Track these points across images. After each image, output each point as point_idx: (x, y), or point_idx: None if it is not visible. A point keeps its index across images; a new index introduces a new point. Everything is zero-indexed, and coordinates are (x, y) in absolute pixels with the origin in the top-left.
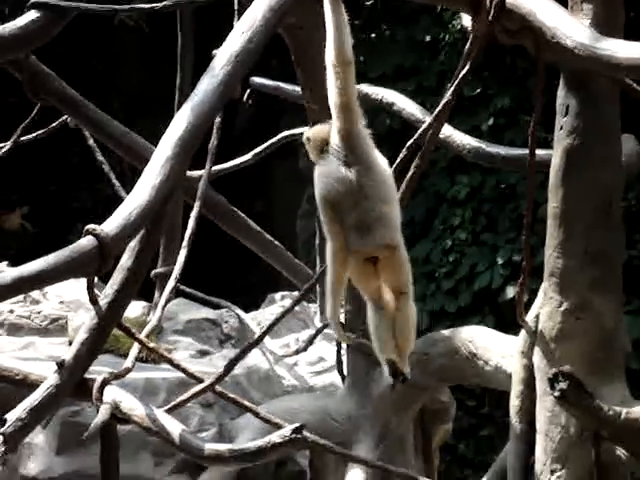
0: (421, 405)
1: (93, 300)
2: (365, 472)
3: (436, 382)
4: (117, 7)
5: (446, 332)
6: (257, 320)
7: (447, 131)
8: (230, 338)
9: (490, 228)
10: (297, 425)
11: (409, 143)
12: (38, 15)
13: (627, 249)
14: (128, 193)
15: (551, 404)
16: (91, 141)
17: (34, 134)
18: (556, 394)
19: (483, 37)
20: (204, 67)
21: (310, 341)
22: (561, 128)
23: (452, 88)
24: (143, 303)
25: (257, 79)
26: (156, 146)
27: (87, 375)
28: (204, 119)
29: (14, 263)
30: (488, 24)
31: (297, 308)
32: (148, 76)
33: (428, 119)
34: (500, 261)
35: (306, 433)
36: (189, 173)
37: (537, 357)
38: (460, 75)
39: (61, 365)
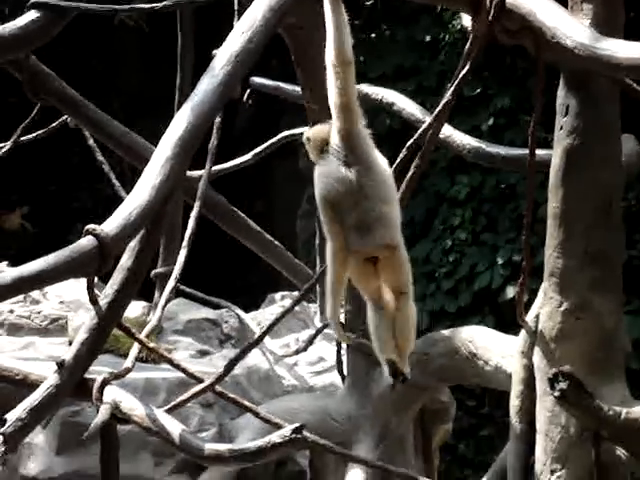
0: (421, 405)
1: (93, 300)
2: (365, 472)
3: (436, 382)
4: (117, 7)
5: (446, 332)
6: (257, 320)
7: (447, 131)
8: (230, 338)
9: (490, 228)
10: (297, 425)
11: (409, 143)
12: (38, 15)
13: (627, 249)
14: (128, 193)
15: (551, 404)
16: (91, 141)
17: (34, 134)
18: (556, 394)
19: (483, 37)
20: (204, 67)
21: (310, 341)
22: (561, 128)
23: (452, 88)
24: (143, 303)
25: (257, 79)
26: (156, 146)
27: (87, 375)
28: (204, 119)
29: (14, 263)
30: (488, 24)
31: (297, 308)
32: (148, 76)
33: (428, 119)
34: (500, 261)
35: (306, 433)
36: (189, 173)
37: (537, 357)
38: (460, 75)
39: (61, 365)
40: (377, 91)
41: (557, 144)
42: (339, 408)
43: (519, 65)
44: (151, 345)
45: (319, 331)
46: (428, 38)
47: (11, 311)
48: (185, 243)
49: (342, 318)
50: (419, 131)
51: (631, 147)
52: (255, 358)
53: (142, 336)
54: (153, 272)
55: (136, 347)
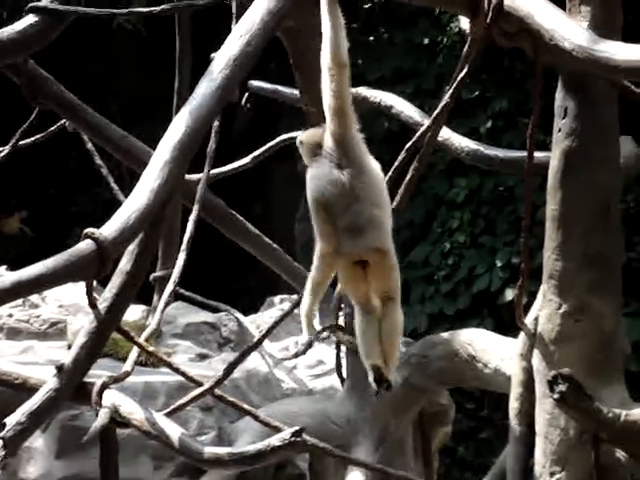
0: (420, 408)
1: (92, 304)
2: (365, 475)
3: (435, 385)
4: (115, 11)
5: (445, 335)
6: (256, 323)
7: (445, 134)
8: (229, 341)
9: (489, 231)
10: (296, 428)
11: (407, 146)
12: (36, 19)
13: (626, 251)
14: (127, 197)
15: (550, 406)
16: (89, 145)
17: (32, 138)
18: (555, 396)
19: (481, 40)
20: (202, 71)
21: (309, 344)
22: (559, 130)
23: (450, 91)
24: (142, 307)
25: (255, 82)
26: (154, 150)
27: (86, 379)
28: (202, 123)
29: (13, 267)
30: (486, 27)
31: (296, 311)
32: (146, 80)
33: (426, 122)
34: (499, 264)
35: (305, 436)
36: (188, 176)
37: (536, 359)
38: (458, 78)
39: (60, 369)
40: (375, 94)
41: (555, 146)
42: (338, 411)
43: (517, 67)
44: (150, 349)
45: (318, 334)
46: (426, 41)
47: (10, 315)
48: (184, 246)
49: (342, 321)
50: (417, 134)
51: (629, 149)
52: (254, 361)
53: (141, 340)
54: (152, 276)
55: (135, 351)
